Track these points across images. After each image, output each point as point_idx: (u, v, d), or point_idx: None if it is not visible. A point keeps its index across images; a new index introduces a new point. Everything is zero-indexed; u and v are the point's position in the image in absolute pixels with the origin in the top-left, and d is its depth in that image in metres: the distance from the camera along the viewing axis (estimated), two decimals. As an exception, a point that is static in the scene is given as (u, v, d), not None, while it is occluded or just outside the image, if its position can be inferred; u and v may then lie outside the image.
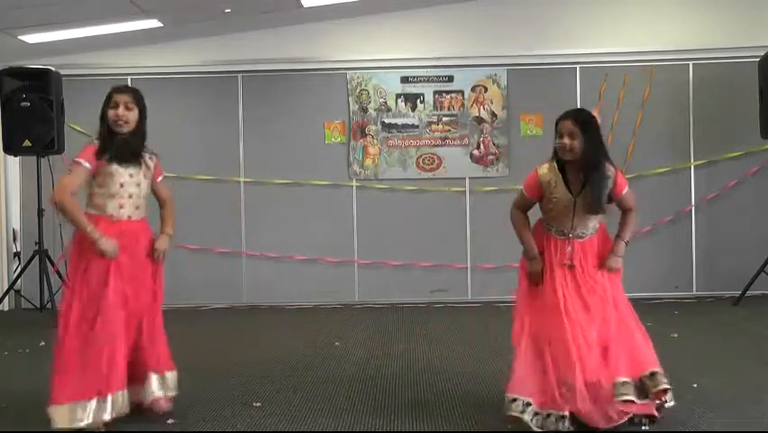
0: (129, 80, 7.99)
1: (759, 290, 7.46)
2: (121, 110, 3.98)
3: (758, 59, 7.40)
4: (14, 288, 7.57)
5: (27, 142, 7.10)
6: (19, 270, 7.70)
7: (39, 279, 7.24)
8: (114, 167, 3.94)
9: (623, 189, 3.99)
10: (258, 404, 4.31)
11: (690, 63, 8.03)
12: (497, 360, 5.20)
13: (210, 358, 5.51)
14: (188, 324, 6.89)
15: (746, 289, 7.40)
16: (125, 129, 3.99)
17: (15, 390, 4.75)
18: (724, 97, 7.96)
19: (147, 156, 4.10)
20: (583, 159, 3.84)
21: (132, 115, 4.02)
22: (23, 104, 7.07)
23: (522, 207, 4.04)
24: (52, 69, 7.22)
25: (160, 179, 4.19)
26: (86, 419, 3.79)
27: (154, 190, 4.20)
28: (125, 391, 3.89)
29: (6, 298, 7.61)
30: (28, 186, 7.84)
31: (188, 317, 7.32)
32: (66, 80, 7.36)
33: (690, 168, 8.04)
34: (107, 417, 3.83)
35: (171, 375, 4.15)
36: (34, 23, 6.97)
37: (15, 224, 8.16)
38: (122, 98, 4.01)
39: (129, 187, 3.97)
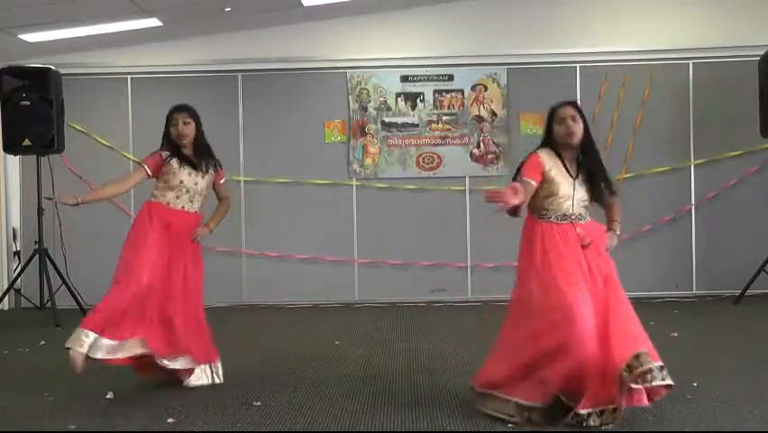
0: (129, 79, 8.01)
1: (759, 289, 7.47)
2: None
3: (758, 59, 7.40)
4: (14, 287, 7.57)
5: (27, 142, 7.10)
6: (19, 269, 7.70)
7: (39, 278, 7.24)
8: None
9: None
10: (258, 403, 4.31)
11: (690, 62, 8.03)
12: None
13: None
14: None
15: (746, 288, 7.40)
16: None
17: (15, 389, 4.74)
18: (724, 97, 7.95)
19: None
20: (583, 143, 4.04)
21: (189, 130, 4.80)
22: (23, 103, 7.07)
23: None
24: (52, 68, 7.22)
25: (222, 181, 4.95)
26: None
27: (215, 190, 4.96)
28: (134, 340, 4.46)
29: (6, 297, 7.61)
30: (28, 185, 7.84)
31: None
32: (66, 79, 7.36)
33: (690, 167, 8.04)
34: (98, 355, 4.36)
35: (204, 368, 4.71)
36: (34, 21, 6.97)
37: (15, 223, 8.16)
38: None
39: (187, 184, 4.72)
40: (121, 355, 4.42)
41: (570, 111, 4.04)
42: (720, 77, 7.98)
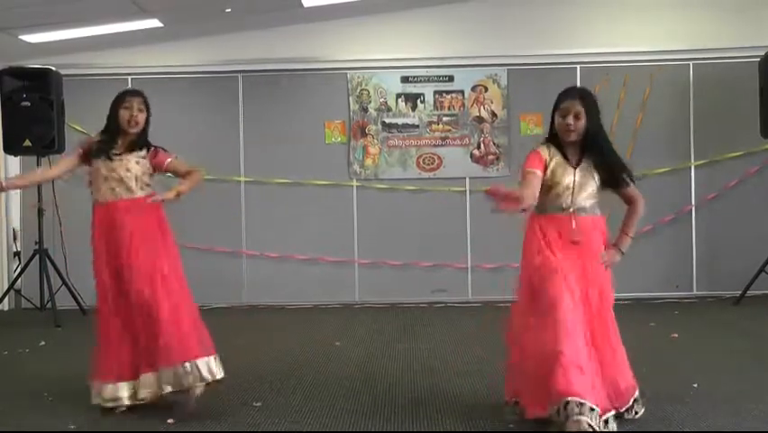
0: (129, 80, 8.00)
1: (759, 289, 7.45)
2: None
3: (758, 59, 7.39)
4: (15, 287, 7.57)
5: (27, 142, 7.09)
6: (19, 269, 7.70)
7: (39, 278, 7.24)
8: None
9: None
10: (258, 404, 4.31)
11: (691, 63, 8.03)
12: (497, 360, 5.19)
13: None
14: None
15: (747, 289, 7.39)
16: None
17: (15, 390, 4.75)
18: (724, 97, 7.95)
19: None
20: (585, 137, 3.80)
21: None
22: (24, 103, 7.07)
23: (525, 188, 3.76)
24: (53, 68, 7.22)
25: (168, 160, 4.38)
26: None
27: (172, 173, 4.43)
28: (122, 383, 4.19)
29: (6, 297, 7.61)
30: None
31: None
32: (66, 80, 7.36)
33: (691, 168, 8.04)
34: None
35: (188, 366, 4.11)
36: (35, 22, 6.97)
37: (16, 223, 8.15)
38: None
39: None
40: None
41: (575, 107, 3.77)
42: (721, 77, 7.98)
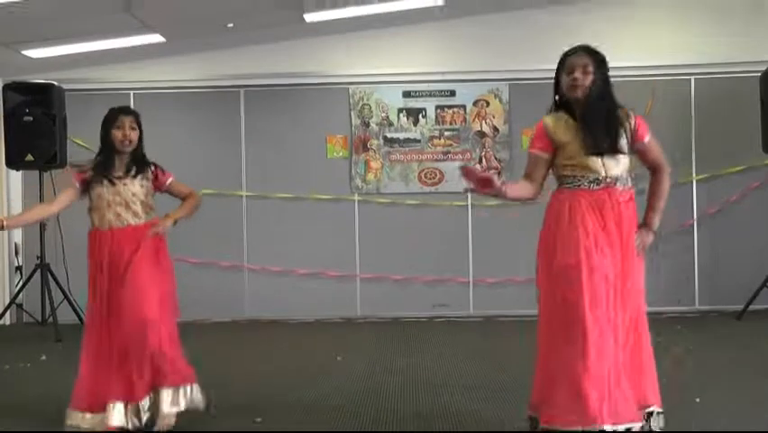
0: (132, 95, 8.03)
1: (762, 304, 7.44)
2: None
3: (760, 74, 7.40)
4: (16, 302, 7.57)
5: (29, 157, 7.11)
6: (21, 284, 7.70)
7: (40, 293, 7.25)
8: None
9: (646, 134, 3.58)
10: (259, 420, 4.30)
11: (692, 78, 8.04)
12: (498, 374, 5.19)
13: (211, 373, 5.47)
14: (189, 338, 6.83)
15: (749, 303, 7.37)
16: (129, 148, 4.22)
17: (16, 404, 4.74)
18: (726, 112, 7.96)
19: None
20: (589, 93, 3.44)
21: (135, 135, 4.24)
22: (26, 118, 7.09)
23: (529, 172, 3.52)
24: (55, 83, 7.25)
25: (169, 181, 4.30)
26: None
27: (171, 194, 4.35)
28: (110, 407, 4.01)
29: (8, 312, 7.60)
30: (30, 200, 7.83)
31: (189, 331, 7.25)
32: (69, 95, 7.39)
33: (692, 182, 8.04)
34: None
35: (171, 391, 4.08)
36: (38, 37, 7.00)
37: (17, 238, 8.16)
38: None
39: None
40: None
41: (581, 60, 3.41)
42: (722, 91, 7.99)
